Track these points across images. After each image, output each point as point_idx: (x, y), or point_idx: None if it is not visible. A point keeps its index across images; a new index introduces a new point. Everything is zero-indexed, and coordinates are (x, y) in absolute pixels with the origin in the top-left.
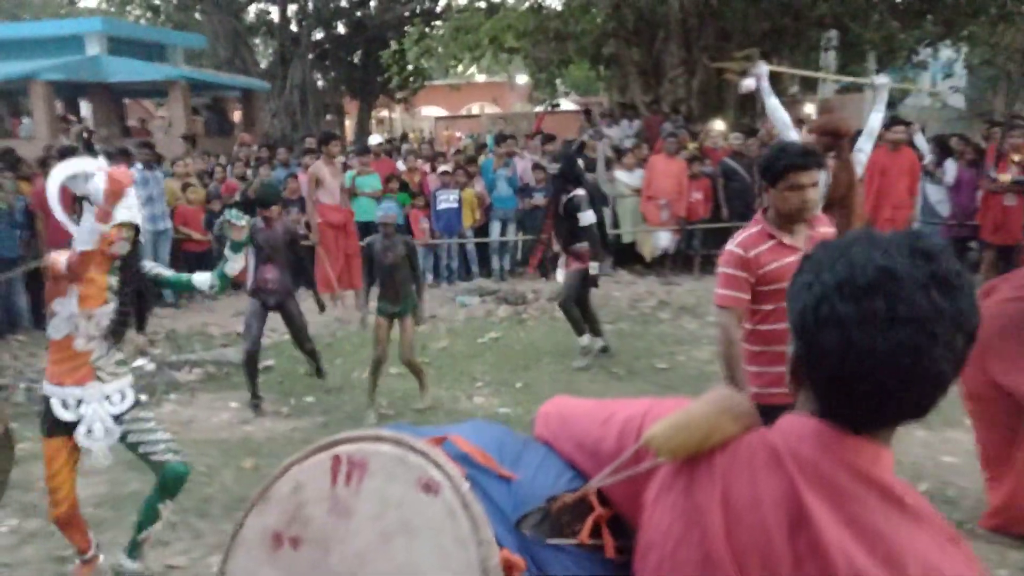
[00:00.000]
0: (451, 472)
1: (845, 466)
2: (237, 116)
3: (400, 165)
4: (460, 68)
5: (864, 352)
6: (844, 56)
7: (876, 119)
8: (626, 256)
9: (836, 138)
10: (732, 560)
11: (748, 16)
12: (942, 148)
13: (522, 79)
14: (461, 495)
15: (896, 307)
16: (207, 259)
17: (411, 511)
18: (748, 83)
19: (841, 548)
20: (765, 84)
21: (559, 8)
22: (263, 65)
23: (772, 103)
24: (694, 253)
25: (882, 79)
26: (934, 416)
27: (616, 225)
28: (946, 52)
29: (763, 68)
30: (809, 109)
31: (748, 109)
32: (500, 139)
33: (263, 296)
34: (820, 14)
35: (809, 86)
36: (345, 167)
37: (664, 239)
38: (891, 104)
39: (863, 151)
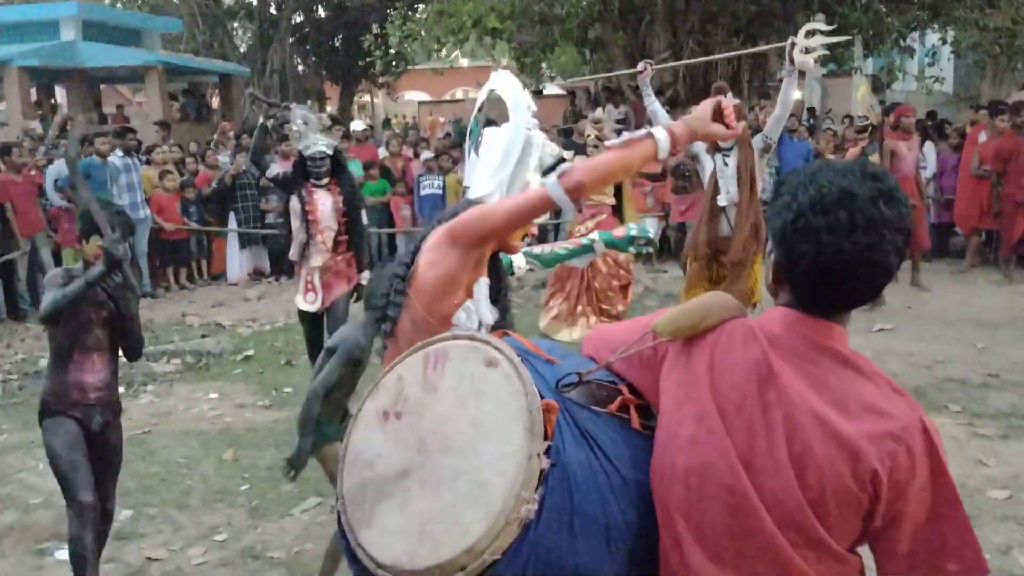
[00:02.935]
0: (507, 352)
1: (804, 338)
2: (215, 102)
3: (382, 151)
4: (443, 52)
5: (833, 252)
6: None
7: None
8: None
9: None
10: (716, 410)
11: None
12: (922, 133)
13: (507, 63)
14: (514, 364)
15: (855, 217)
16: (183, 248)
17: (480, 380)
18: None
19: (800, 394)
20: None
21: None
22: (242, 49)
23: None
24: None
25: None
26: (921, 401)
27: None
28: (932, 37)
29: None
30: (798, 95)
31: (737, 95)
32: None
33: None
34: None
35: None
36: None
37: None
38: (878, 88)
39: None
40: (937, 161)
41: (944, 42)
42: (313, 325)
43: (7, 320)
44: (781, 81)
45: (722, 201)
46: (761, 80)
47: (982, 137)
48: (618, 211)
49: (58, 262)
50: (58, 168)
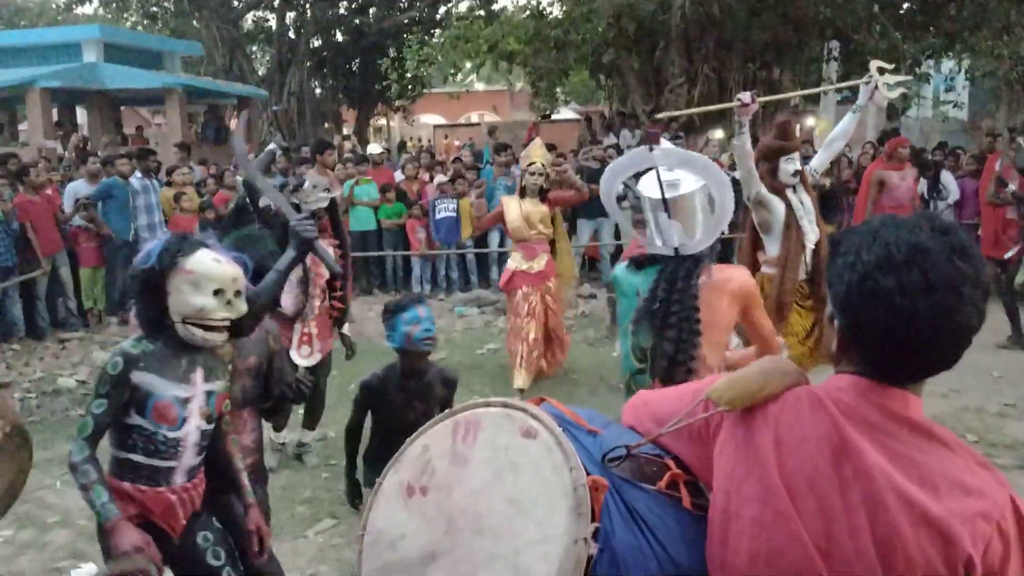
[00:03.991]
0: (546, 420)
1: (879, 407)
2: (234, 123)
3: (398, 174)
4: (459, 76)
5: (908, 316)
6: (846, 67)
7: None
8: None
9: (766, 158)
10: (785, 489)
11: (750, 26)
12: (933, 163)
13: (522, 87)
14: (555, 435)
15: (929, 275)
16: None
17: (516, 453)
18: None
19: (882, 469)
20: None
21: (559, 16)
22: (260, 72)
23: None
24: None
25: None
26: None
27: (616, 236)
28: (947, 64)
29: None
30: (811, 122)
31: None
32: (499, 149)
33: None
34: (821, 25)
35: (811, 97)
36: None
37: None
38: (891, 116)
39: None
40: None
41: (960, 69)
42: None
43: (26, 338)
44: (795, 107)
45: (810, 242)
46: (775, 107)
47: (998, 165)
48: (551, 246)
49: (76, 282)
50: (75, 188)
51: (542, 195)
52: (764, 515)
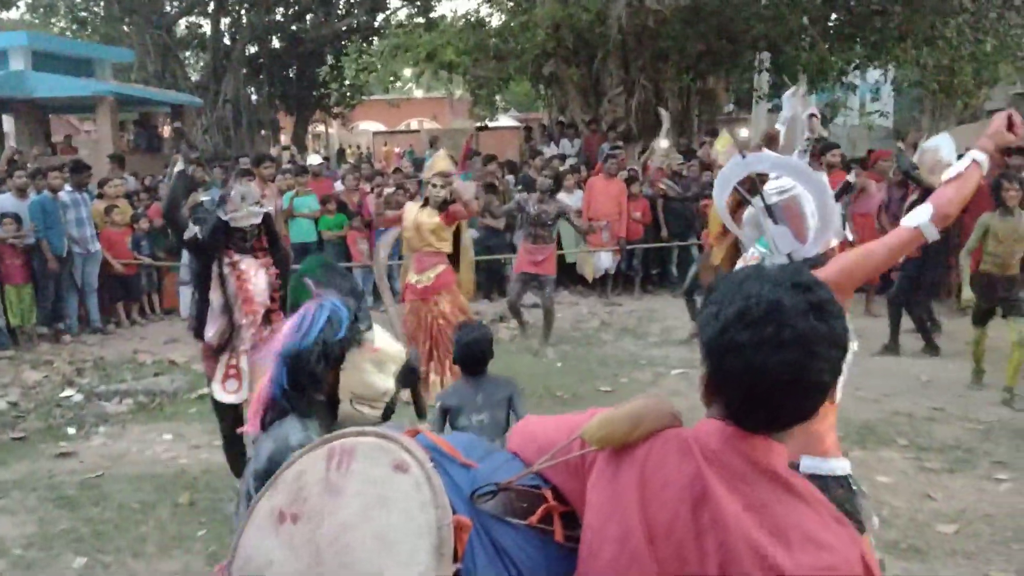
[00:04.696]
0: (419, 455)
1: (742, 456)
2: (166, 131)
3: (338, 185)
4: (399, 84)
5: (760, 371)
6: (777, 77)
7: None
8: (568, 277)
9: None
10: (644, 532)
11: (685, 38)
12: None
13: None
14: (425, 471)
15: (783, 332)
16: (133, 282)
17: (387, 487)
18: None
19: (737, 519)
20: (787, 114)
21: (499, 26)
22: (194, 79)
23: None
24: (635, 273)
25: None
26: (869, 436)
27: (559, 246)
28: (873, 74)
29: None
30: (744, 133)
31: (686, 130)
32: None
33: None
34: (754, 36)
35: (744, 104)
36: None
37: (605, 260)
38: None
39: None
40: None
41: (885, 79)
42: (235, 420)
43: None
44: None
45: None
46: (711, 115)
47: None
48: (454, 260)
49: (3, 300)
50: (1, 202)
51: (442, 208)
52: (621, 557)
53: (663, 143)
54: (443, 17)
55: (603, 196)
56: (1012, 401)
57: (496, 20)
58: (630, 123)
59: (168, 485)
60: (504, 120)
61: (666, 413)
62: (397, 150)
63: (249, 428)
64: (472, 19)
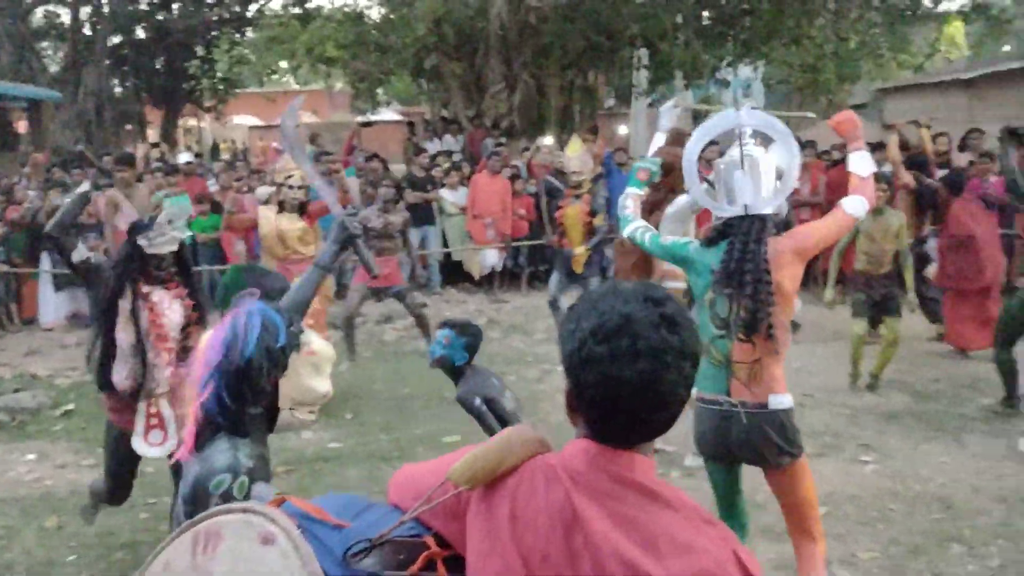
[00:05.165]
0: (284, 524)
1: (607, 473)
2: (23, 127)
3: (211, 183)
4: (276, 76)
5: (616, 382)
6: (654, 74)
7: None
8: (455, 274)
9: (667, 175)
10: (523, 565)
11: (565, 34)
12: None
13: (341, 87)
14: (292, 539)
15: (637, 343)
16: None
17: (256, 562)
18: (663, 122)
19: (606, 537)
20: (664, 121)
21: (378, 20)
22: (52, 72)
23: (657, 137)
24: (520, 270)
25: (667, 104)
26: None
27: (444, 244)
28: (745, 70)
29: (667, 106)
30: (623, 130)
31: (568, 126)
32: (319, 156)
33: None
34: (631, 34)
35: (624, 100)
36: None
37: (491, 257)
38: (696, 118)
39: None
40: None
41: (756, 76)
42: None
43: None
44: (610, 110)
45: None
46: (592, 110)
47: None
48: None
49: None
50: None
51: (301, 210)
52: None
53: (547, 140)
54: (320, 9)
55: (487, 193)
56: (876, 386)
57: (376, 13)
58: (513, 119)
59: (33, 508)
60: (387, 114)
61: (532, 441)
62: (274, 145)
63: (182, 454)
64: (351, 12)
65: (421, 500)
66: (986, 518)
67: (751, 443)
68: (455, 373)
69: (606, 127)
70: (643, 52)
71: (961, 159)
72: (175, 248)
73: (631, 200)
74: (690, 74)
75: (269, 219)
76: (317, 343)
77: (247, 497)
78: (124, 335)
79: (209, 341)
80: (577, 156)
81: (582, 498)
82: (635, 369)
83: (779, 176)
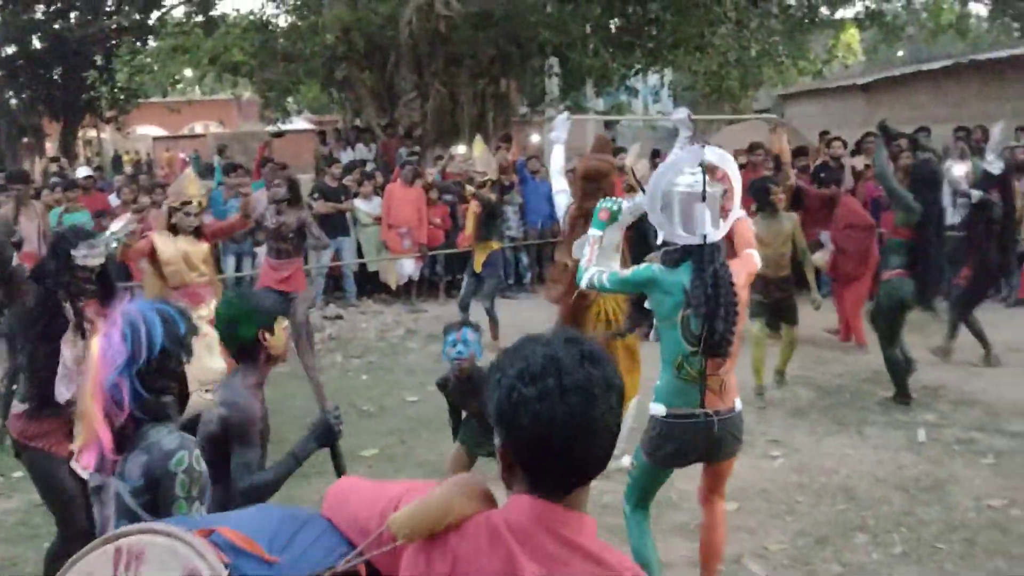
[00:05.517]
0: (213, 562)
1: (553, 535)
2: None
3: (113, 198)
4: (180, 86)
5: (548, 420)
6: (566, 81)
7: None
8: (372, 285)
9: (591, 180)
10: None
11: (476, 43)
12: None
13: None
14: None
15: (563, 381)
16: None
17: None
18: (553, 136)
19: None
20: (559, 133)
21: (285, 28)
22: None
23: (556, 150)
24: (438, 279)
25: (680, 112)
26: None
27: (359, 254)
28: (653, 78)
29: (561, 119)
30: (535, 138)
31: (483, 135)
32: (229, 168)
33: None
34: (541, 43)
35: (537, 108)
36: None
37: (408, 267)
38: (608, 125)
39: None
40: None
41: (663, 83)
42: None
43: None
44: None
45: None
46: (506, 118)
47: None
48: None
49: None
50: None
51: (197, 233)
52: None
53: (461, 149)
54: (224, 16)
55: (402, 202)
56: (783, 382)
57: (283, 21)
58: (426, 127)
59: None
60: (298, 123)
61: (476, 497)
62: (182, 155)
63: (87, 463)
64: (256, 20)
65: (357, 550)
66: (888, 507)
67: (721, 444)
68: (473, 377)
69: (519, 135)
70: (554, 60)
71: (857, 162)
72: (102, 262)
73: (588, 248)
74: (600, 82)
75: (169, 244)
76: (204, 327)
77: (203, 469)
78: (71, 350)
79: (102, 347)
80: (481, 156)
81: (526, 560)
82: (565, 406)
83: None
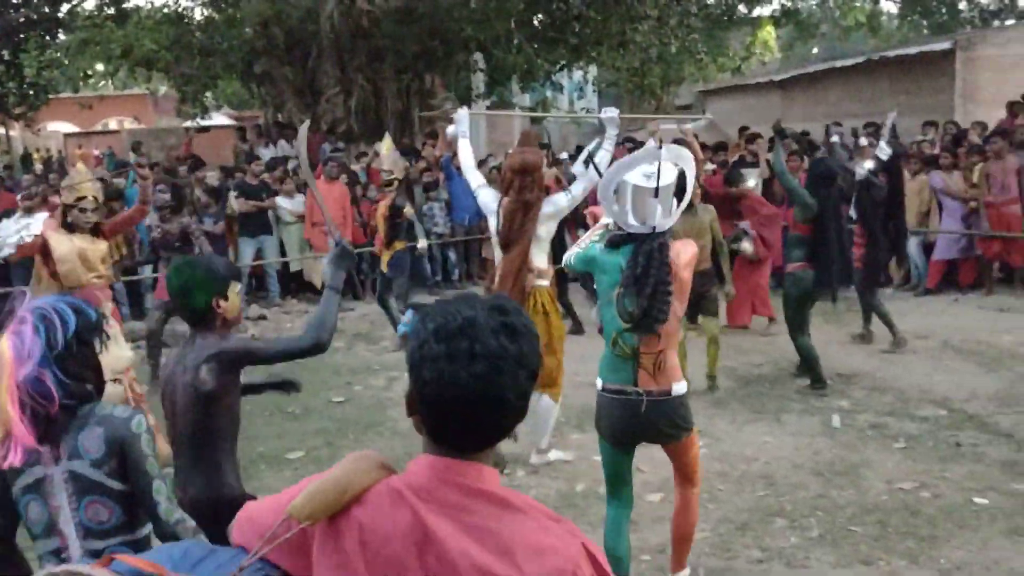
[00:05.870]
0: None
1: (456, 486)
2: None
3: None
4: (92, 81)
5: (451, 381)
6: (491, 77)
7: (606, 158)
8: (296, 284)
9: (521, 173)
10: None
11: (399, 38)
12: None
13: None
14: None
15: (474, 346)
16: None
17: None
18: (452, 129)
19: (461, 550)
20: (463, 128)
21: (201, 21)
22: None
23: (463, 145)
24: (364, 277)
25: (610, 112)
26: (587, 418)
27: (282, 253)
28: (578, 74)
29: (463, 114)
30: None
31: (408, 130)
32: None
33: None
34: (465, 38)
35: (463, 103)
36: None
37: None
38: (535, 120)
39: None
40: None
41: (586, 80)
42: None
43: None
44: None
45: None
46: (431, 110)
47: None
48: None
49: None
50: None
51: (95, 231)
52: None
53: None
54: (138, 9)
55: (326, 200)
56: (715, 387)
57: (199, 14)
58: (351, 123)
59: None
60: (219, 119)
61: (373, 467)
62: (96, 152)
63: (13, 460)
64: (170, 12)
65: (263, 540)
66: (804, 492)
67: (655, 426)
68: None
69: (445, 130)
70: (479, 55)
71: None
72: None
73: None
74: (525, 77)
75: (64, 242)
76: (111, 319)
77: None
78: None
79: (12, 343)
80: (389, 155)
81: (432, 515)
82: (470, 371)
83: (680, 195)
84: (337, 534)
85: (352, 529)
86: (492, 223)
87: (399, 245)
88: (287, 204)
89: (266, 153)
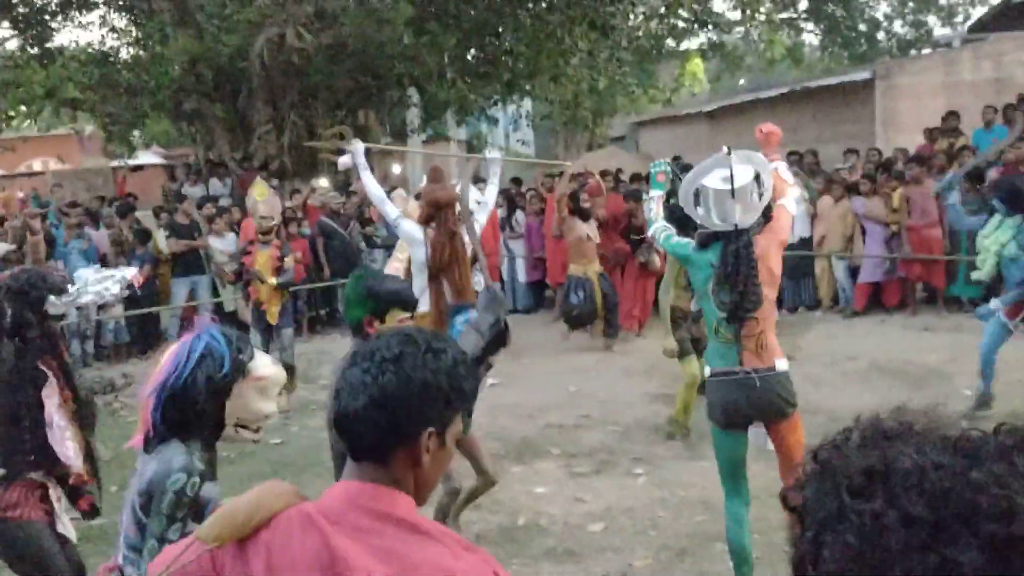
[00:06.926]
0: None
1: (366, 511)
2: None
3: None
4: (15, 123)
5: (346, 383)
6: (426, 111)
7: (492, 192)
8: (231, 324)
9: (438, 209)
10: None
11: (331, 75)
12: (509, 200)
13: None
14: None
15: (376, 356)
16: None
17: None
18: (344, 160)
19: (367, 571)
20: (361, 160)
21: (127, 59)
22: None
23: (366, 178)
24: (301, 315)
25: (495, 153)
26: (526, 450)
27: (215, 293)
28: (513, 107)
29: (358, 146)
30: (397, 169)
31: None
32: (68, 207)
33: None
34: (398, 74)
35: (399, 137)
36: None
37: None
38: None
39: (478, 222)
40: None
41: (520, 114)
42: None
43: None
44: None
45: None
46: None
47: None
48: None
49: None
50: None
51: None
52: None
53: (322, 182)
54: (61, 49)
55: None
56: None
57: (125, 53)
58: (283, 160)
59: None
60: (148, 157)
61: (284, 494)
62: (20, 194)
63: (134, 440)
64: (96, 52)
65: (170, 561)
66: None
67: (765, 401)
68: None
69: (380, 166)
70: (413, 91)
71: None
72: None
73: (655, 202)
74: (460, 112)
75: None
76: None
77: (198, 495)
78: (57, 405)
79: (168, 355)
80: (264, 200)
81: (341, 539)
82: (359, 371)
83: (760, 193)
84: (245, 557)
85: (259, 553)
86: (419, 253)
87: (285, 295)
88: (219, 244)
89: (197, 192)
